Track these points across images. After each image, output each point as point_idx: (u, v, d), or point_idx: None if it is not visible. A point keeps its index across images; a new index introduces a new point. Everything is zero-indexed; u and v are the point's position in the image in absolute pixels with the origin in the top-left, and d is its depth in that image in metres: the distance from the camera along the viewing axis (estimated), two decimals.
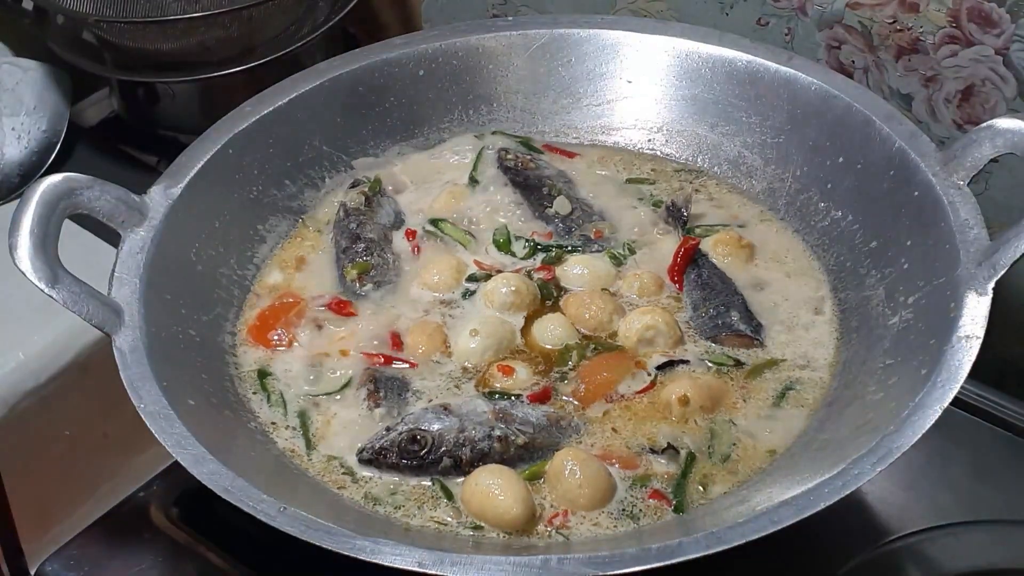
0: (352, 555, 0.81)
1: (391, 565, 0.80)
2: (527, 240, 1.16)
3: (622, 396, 1.01)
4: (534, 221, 1.18)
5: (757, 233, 1.15)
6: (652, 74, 1.23)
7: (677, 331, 1.05)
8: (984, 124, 0.99)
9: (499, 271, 1.12)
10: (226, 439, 0.94)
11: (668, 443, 0.96)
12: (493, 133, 1.26)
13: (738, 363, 1.03)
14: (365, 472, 0.96)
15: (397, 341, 1.06)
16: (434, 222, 1.18)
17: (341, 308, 1.10)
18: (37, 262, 0.93)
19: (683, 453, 0.96)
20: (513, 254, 1.15)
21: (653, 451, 0.96)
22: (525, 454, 0.96)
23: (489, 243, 1.16)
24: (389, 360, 1.04)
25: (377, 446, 0.96)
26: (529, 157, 1.22)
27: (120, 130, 1.53)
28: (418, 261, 1.14)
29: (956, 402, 0.87)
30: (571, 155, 1.25)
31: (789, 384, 1.02)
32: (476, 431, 0.96)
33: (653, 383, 1.01)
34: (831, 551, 0.99)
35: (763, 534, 0.80)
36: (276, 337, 1.08)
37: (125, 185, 1.04)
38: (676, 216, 1.16)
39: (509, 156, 1.22)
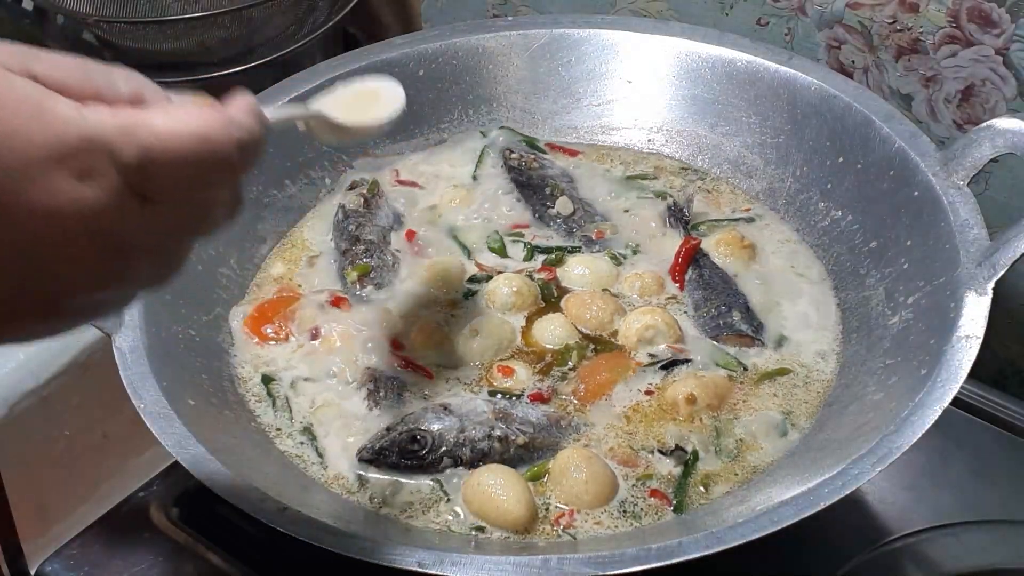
0: (352, 555, 0.81)
1: (391, 565, 0.80)
2: (525, 243, 1.16)
3: (625, 401, 1.01)
4: (535, 223, 1.18)
5: (758, 233, 1.15)
6: (652, 74, 1.23)
7: (677, 330, 1.05)
8: (984, 124, 0.99)
9: (500, 272, 1.12)
10: (226, 439, 0.94)
11: (676, 444, 0.96)
12: (500, 128, 1.26)
13: (741, 365, 1.03)
14: (366, 473, 0.96)
15: (397, 342, 1.06)
16: (436, 222, 1.18)
17: (341, 308, 1.10)
18: None
19: (688, 452, 0.96)
20: (509, 258, 1.15)
21: (662, 452, 0.96)
22: (525, 454, 0.96)
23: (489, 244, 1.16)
24: (408, 364, 1.04)
25: (377, 446, 0.96)
26: (533, 156, 1.22)
27: None
28: (419, 262, 1.14)
29: (956, 402, 0.87)
30: (574, 153, 1.25)
31: (789, 383, 1.02)
32: (476, 431, 0.96)
33: (651, 391, 1.01)
34: (831, 551, 0.99)
35: (763, 534, 0.80)
36: (273, 331, 1.08)
37: None
38: (677, 216, 1.16)
39: (513, 155, 1.22)
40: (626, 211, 1.18)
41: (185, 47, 1.39)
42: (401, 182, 1.23)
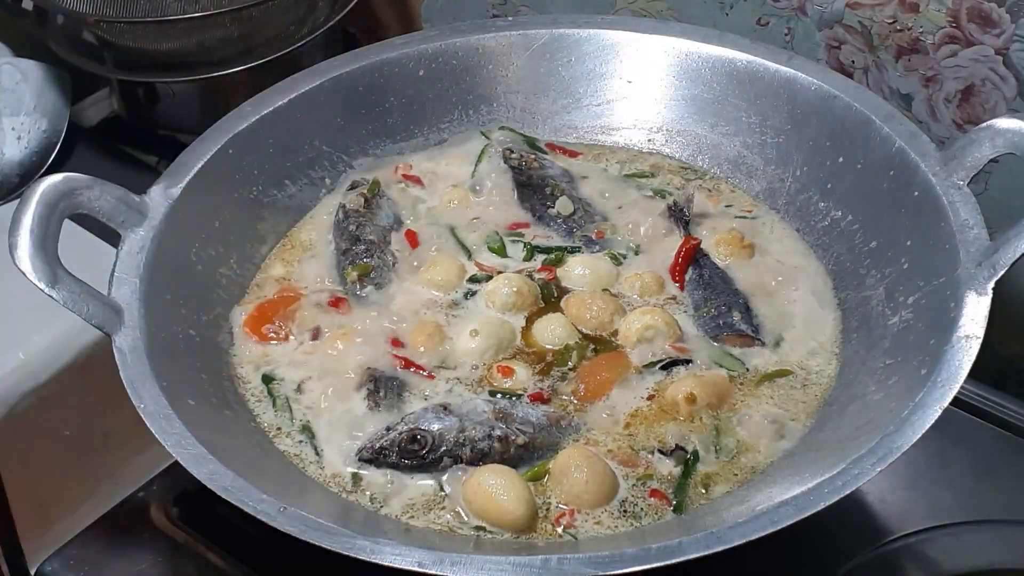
0: (352, 555, 0.81)
1: (391, 565, 0.80)
2: (525, 243, 1.16)
3: (625, 401, 1.01)
4: (535, 223, 1.18)
5: (758, 233, 1.15)
6: (652, 74, 1.23)
7: (677, 330, 1.05)
8: (984, 124, 0.99)
9: (500, 272, 1.12)
10: (226, 439, 0.94)
11: (676, 444, 0.96)
12: (500, 128, 1.26)
13: (741, 364, 1.03)
14: (366, 473, 0.96)
15: (397, 342, 1.06)
16: (436, 222, 1.18)
17: (341, 308, 1.10)
18: (37, 262, 0.93)
19: (688, 451, 0.96)
20: (509, 258, 1.15)
21: (662, 452, 0.96)
22: (525, 454, 0.96)
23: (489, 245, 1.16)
24: (408, 365, 1.04)
25: (377, 446, 0.96)
26: (534, 156, 1.22)
27: (120, 130, 1.53)
28: (419, 262, 1.14)
29: (956, 402, 0.87)
30: (574, 154, 1.25)
31: (789, 383, 1.02)
32: (476, 431, 0.96)
33: (651, 396, 1.01)
34: (831, 551, 0.99)
35: (763, 534, 0.80)
36: (273, 331, 1.08)
37: (125, 185, 1.04)
38: (678, 216, 1.16)
39: (513, 155, 1.22)
40: (626, 211, 1.18)
41: (185, 47, 1.38)
42: (408, 176, 1.23)
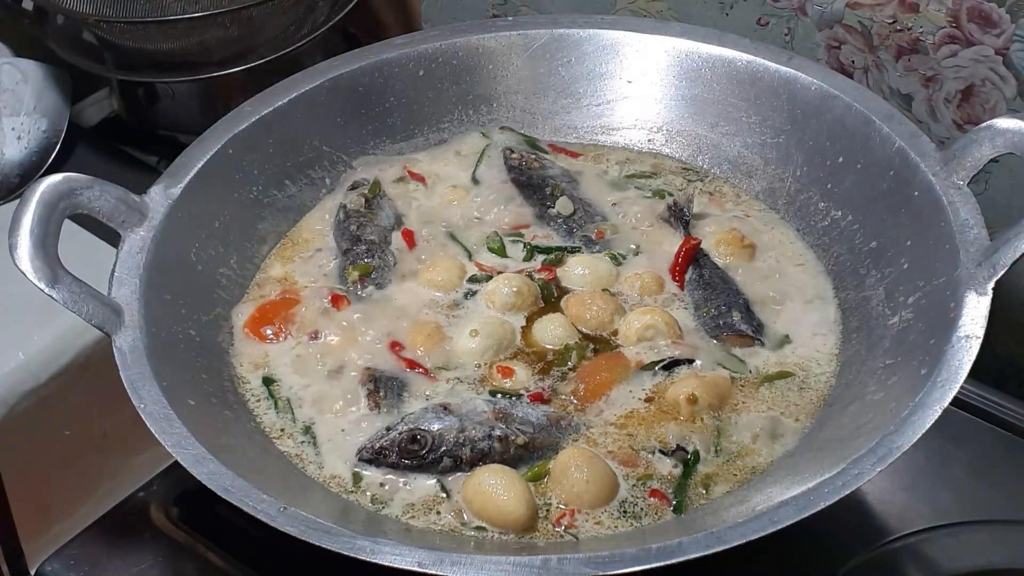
0: (352, 555, 0.81)
1: (391, 565, 0.80)
2: (525, 243, 1.16)
3: (625, 401, 1.01)
4: (535, 223, 1.18)
5: (758, 233, 1.15)
6: (652, 74, 1.23)
7: (677, 330, 1.05)
8: (984, 124, 0.99)
9: (500, 272, 1.12)
10: (226, 439, 0.94)
11: (677, 444, 0.96)
12: (501, 129, 1.26)
13: (742, 364, 1.03)
14: (367, 473, 0.96)
15: (397, 342, 1.06)
16: (436, 222, 1.18)
17: (342, 308, 1.09)
18: (37, 262, 0.93)
19: (688, 452, 0.96)
20: (509, 258, 1.15)
21: (663, 452, 0.96)
22: (525, 454, 0.96)
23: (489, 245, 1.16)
24: (409, 365, 1.04)
25: (377, 446, 0.96)
26: (534, 156, 1.22)
27: (120, 130, 1.53)
28: (419, 262, 1.14)
29: (956, 402, 0.87)
30: (575, 155, 1.25)
31: (790, 384, 1.02)
32: (476, 431, 0.96)
33: (651, 397, 1.01)
34: (831, 551, 0.99)
35: (763, 534, 0.80)
36: (273, 332, 1.08)
37: (125, 185, 1.04)
38: (678, 216, 1.16)
39: (514, 155, 1.22)
40: (626, 211, 1.18)
41: (185, 47, 1.38)
42: (413, 174, 1.22)
